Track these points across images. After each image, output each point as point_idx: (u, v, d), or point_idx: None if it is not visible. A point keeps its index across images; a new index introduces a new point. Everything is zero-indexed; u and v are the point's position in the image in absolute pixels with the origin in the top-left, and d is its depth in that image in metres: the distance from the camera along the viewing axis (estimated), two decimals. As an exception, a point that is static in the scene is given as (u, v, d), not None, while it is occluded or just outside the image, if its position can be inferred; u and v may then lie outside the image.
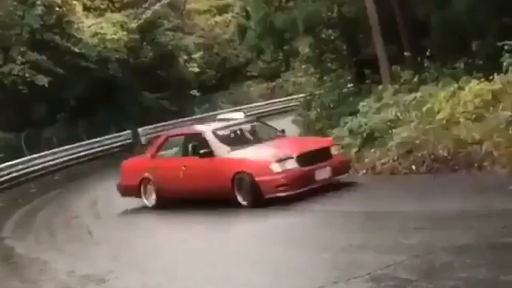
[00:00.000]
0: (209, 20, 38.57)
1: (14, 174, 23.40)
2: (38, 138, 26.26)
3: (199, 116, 31.48)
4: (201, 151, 12.26)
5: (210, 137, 12.51)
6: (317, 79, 21.11)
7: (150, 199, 13.46)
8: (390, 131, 13.23)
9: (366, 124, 13.94)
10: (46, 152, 25.56)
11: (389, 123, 13.58)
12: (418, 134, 12.34)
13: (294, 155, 11.61)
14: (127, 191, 13.99)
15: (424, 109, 12.98)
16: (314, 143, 12.92)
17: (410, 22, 16.66)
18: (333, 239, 8.54)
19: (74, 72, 26.78)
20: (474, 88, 12.29)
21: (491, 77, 12.43)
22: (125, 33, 29.92)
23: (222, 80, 37.27)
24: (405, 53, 16.22)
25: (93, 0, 31.28)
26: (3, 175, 22.79)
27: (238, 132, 13.13)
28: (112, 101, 29.12)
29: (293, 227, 10.12)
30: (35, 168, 24.54)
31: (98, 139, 28.14)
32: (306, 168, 11.48)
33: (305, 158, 11.63)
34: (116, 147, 28.75)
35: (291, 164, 11.48)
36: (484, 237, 7.12)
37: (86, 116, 28.21)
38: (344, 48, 20.56)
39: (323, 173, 11.67)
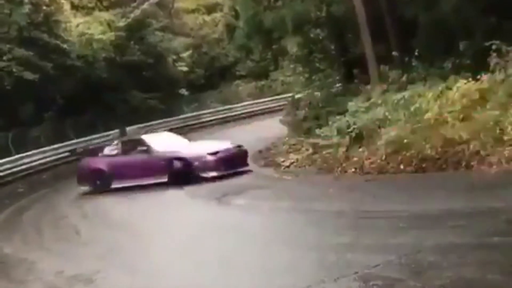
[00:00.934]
0: (197, 19, 38.50)
1: (0, 174, 23.22)
2: (25, 137, 26.05)
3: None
4: None
5: None
6: (305, 78, 21.13)
7: None
8: (378, 131, 13.26)
9: (354, 124, 13.96)
10: (34, 151, 25.38)
11: (377, 122, 13.61)
12: (406, 134, 12.37)
13: None
14: None
15: (412, 108, 13.01)
16: None
17: (398, 22, 16.73)
18: (322, 238, 8.53)
19: (61, 70, 26.61)
20: (462, 88, 12.33)
21: (478, 77, 12.49)
22: (112, 33, 29.80)
23: (211, 79, 37.18)
24: (393, 53, 16.27)
25: (81, -1, 31.16)
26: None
27: None
28: (100, 100, 28.90)
29: (283, 225, 10.12)
30: (23, 167, 24.36)
31: (86, 138, 27.92)
32: None
33: None
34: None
35: None
36: (472, 236, 7.15)
37: (74, 115, 28.02)
38: (333, 47, 20.60)
39: None
